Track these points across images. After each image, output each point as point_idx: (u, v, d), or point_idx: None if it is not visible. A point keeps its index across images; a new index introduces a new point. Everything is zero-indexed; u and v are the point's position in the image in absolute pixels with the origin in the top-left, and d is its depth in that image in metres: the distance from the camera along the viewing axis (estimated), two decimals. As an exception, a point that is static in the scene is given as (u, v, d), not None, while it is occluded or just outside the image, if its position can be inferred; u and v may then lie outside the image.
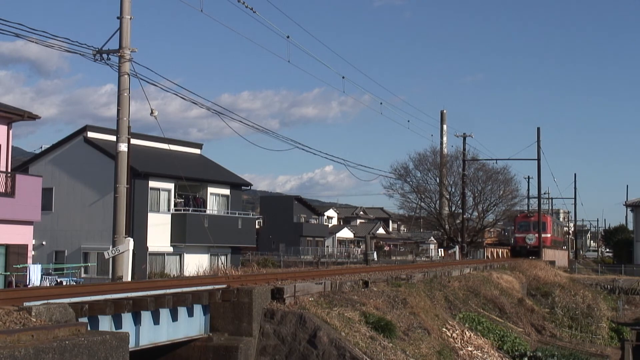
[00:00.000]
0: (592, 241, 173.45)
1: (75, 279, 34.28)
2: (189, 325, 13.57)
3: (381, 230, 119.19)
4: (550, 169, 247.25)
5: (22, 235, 31.38)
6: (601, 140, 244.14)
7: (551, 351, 24.34)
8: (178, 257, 43.07)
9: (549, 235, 66.68)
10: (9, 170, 31.67)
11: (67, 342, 8.39)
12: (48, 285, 27.26)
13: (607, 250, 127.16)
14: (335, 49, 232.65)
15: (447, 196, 72.57)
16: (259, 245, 76.66)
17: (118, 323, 11.45)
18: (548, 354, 23.53)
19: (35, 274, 29.38)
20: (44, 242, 41.56)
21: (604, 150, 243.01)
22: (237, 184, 49.41)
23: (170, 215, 42.49)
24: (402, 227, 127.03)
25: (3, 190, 30.01)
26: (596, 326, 33.63)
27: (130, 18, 22.67)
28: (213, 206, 46.89)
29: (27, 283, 28.50)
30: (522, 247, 64.59)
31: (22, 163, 43.86)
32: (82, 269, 39.08)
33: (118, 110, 22.72)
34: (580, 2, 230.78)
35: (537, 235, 61.43)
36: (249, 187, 52.79)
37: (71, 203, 41.87)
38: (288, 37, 25.98)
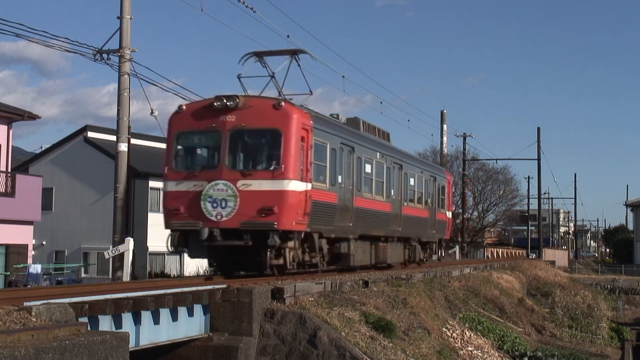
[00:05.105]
0: (592, 241, 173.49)
1: (74, 278, 34.34)
2: (189, 325, 13.57)
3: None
4: (550, 169, 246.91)
5: (22, 235, 31.45)
6: (601, 140, 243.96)
7: (551, 351, 24.34)
8: (178, 257, 43.06)
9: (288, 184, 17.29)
10: (9, 170, 31.70)
11: (67, 342, 8.40)
12: (46, 285, 27.29)
13: (607, 250, 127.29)
14: (336, 49, 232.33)
15: (447, 196, 72.39)
16: (259, 245, 76.52)
17: (118, 323, 11.45)
18: (548, 354, 23.54)
19: (35, 274, 29.44)
20: (44, 242, 41.58)
21: (604, 150, 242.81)
22: (237, 184, 49.31)
23: (170, 215, 42.44)
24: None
25: (3, 190, 30.05)
26: (596, 326, 33.64)
27: (130, 18, 22.71)
28: (213, 206, 46.81)
29: (27, 283, 28.53)
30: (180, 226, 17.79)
31: (22, 163, 43.89)
32: (82, 269, 39.12)
33: (118, 110, 22.77)
34: (581, 3, 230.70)
35: (228, 185, 17.14)
36: (249, 187, 52.51)
37: (71, 203, 41.88)
38: (288, 36, 25.79)
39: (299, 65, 20.87)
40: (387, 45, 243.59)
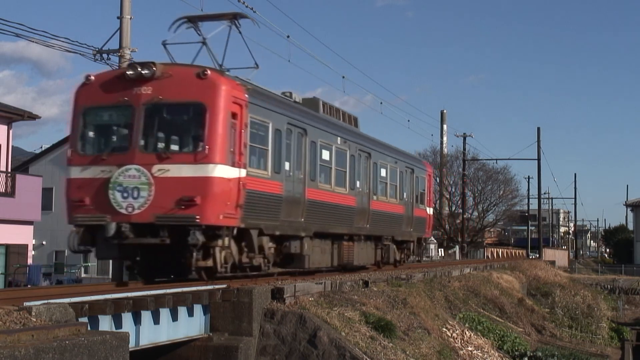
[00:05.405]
0: (592, 241, 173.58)
1: (74, 278, 34.38)
2: (189, 325, 13.56)
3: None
4: (550, 169, 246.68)
5: (22, 235, 31.46)
6: (601, 140, 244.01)
7: (551, 351, 24.35)
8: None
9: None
10: (9, 170, 31.71)
11: (67, 342, 8.39)
12: (46, 285, 27.32)
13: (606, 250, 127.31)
14: (336, 49, 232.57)
15: (447, 196, 72.52)
16: (259, 245, 76.44)
17: (118, 323, 11.45)
18: (548, 354, 23.55)
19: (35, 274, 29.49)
20: (44, 242, 41.60)
21: (604, 150, 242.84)
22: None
23: (170, 215, 42.42)
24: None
25: (3, 190, 30.06)
26: (596, 326, 33.65)
27: (130, 18, 22.69)
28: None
29: (27, 283, 28.58)
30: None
31: (22, 163, 43.93)
32: (82, 269, 39.13)
33: (118, 110, 22.69)
34: (581, 3, 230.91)
35: (142, 170, 14.38)
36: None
37: (71, 203, 41.88)
38: (288, 36, 25.86)
39: (239, 32, 17.51)
40: (387, 45, 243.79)
